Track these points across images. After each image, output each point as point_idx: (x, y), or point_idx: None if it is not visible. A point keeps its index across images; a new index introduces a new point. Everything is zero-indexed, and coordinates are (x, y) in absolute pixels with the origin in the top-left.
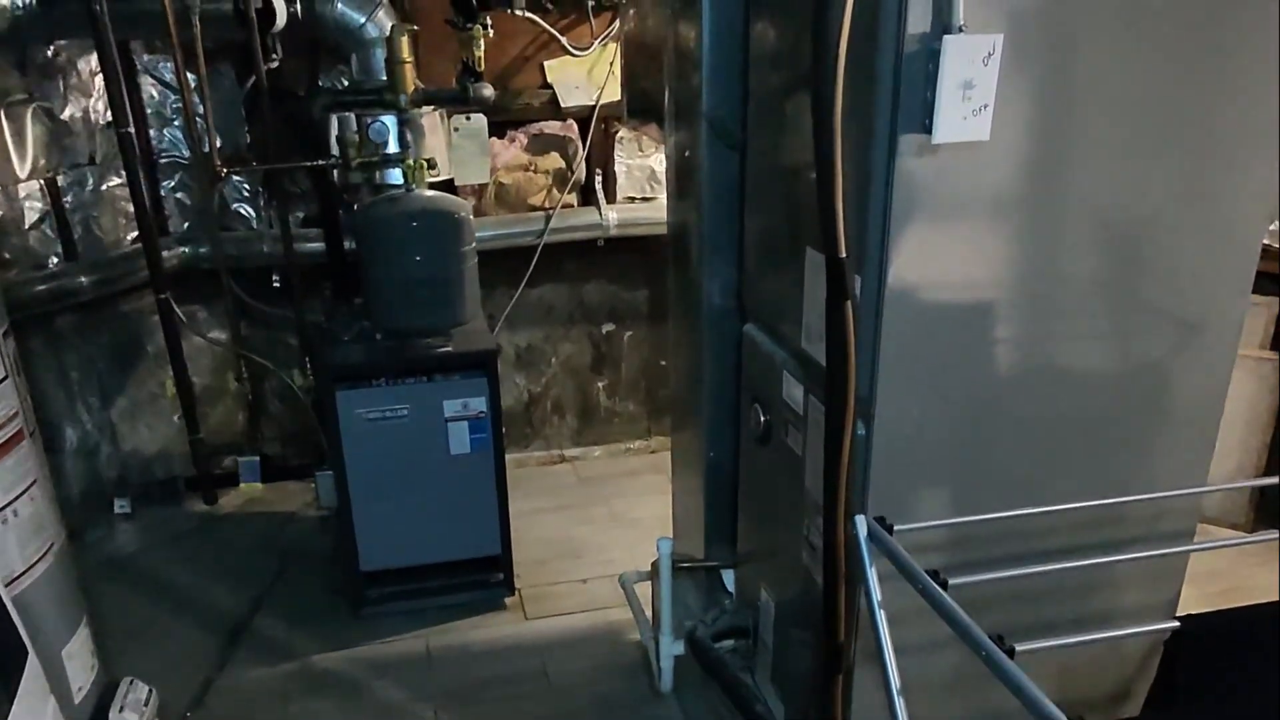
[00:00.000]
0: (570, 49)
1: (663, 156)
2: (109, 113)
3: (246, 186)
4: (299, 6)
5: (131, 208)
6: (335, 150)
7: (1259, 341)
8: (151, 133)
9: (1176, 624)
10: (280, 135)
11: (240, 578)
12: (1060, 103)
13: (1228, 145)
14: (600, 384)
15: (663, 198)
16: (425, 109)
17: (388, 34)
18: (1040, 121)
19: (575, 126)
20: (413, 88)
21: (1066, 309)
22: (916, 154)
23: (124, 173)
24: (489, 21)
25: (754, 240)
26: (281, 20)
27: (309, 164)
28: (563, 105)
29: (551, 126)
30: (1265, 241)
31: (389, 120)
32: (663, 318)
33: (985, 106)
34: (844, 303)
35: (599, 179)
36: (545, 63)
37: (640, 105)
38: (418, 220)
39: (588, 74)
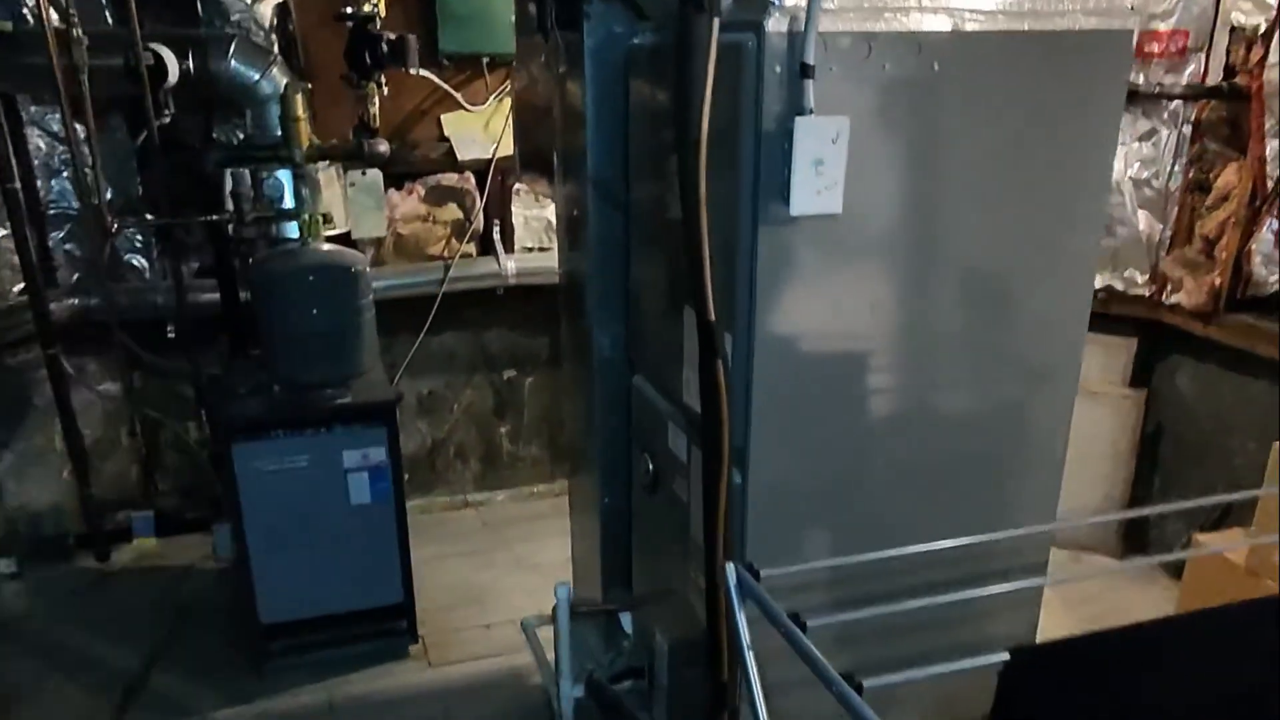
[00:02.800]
0: (465, 105)
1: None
2: None
3: (139, 238)
4: (192, 62)
5: (17, 259)
6: (230, 205)
7: (1120, 379)
8: (39, 184)
9: (1006, 656)
10: (173, 188)
11: (135, 635)
12: (908, 174)
13: (1060, 203)
14: (503, 429)
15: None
16: (321, 164)
17: (282, 91)
18: (888, 192)
19: (472, 178)
20: (308, 143)
21: (925, 360)
22: (777, 223)
23: (8, 224)
24: (383, 80)
25: (638, 296)
26: (174, 77)
27: (203, 219)
28: (460, 158)
29: (449, 178)
30: (1119, 287)
31: (284, 175)
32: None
33: (836, 183)
34: (715, 360)
35: (497, 229)
36: (442, 116)
37: (532, 160)
38: (314, 274)
39: (484, 127)
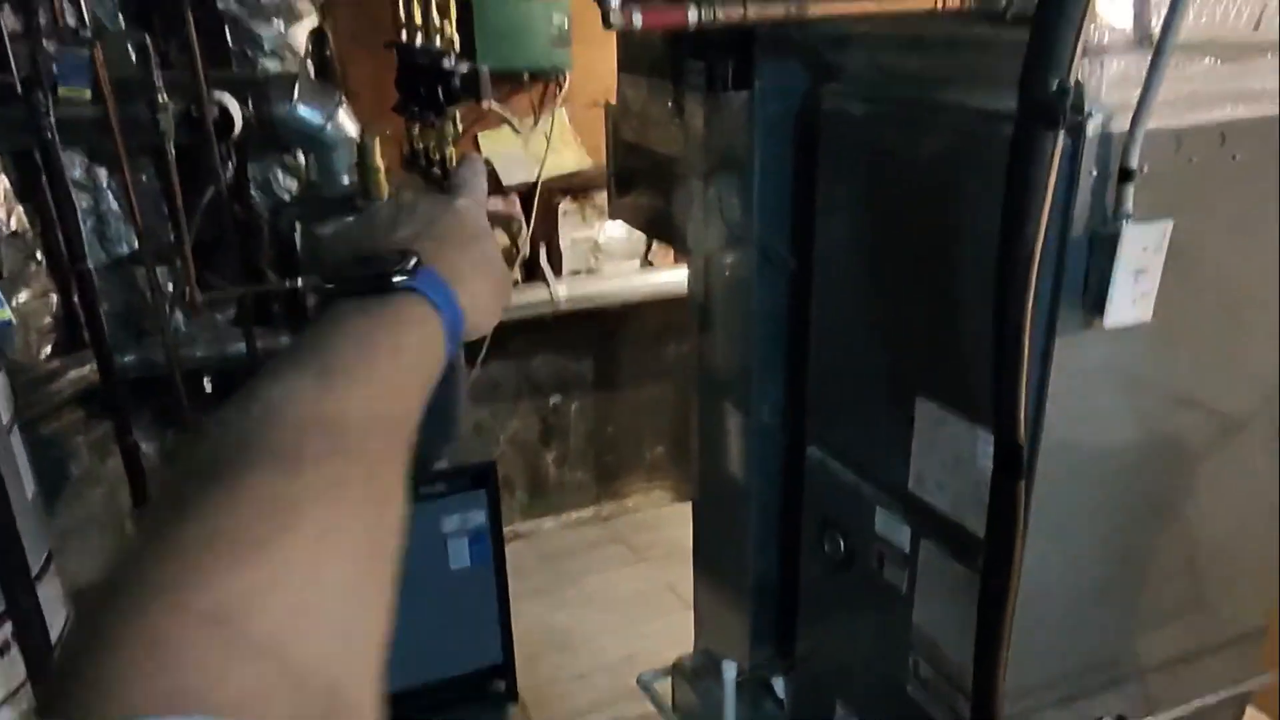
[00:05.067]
0: (513, 124)
1: (604, 227)
2: (10, 220)
3: (171, 287)
4: (252, 109)
5: (47, 319)
6: (307, 261)
7: None
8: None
9: None
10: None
11: None
12: (1215, 271)
13: None
14: (549, 455)
15: (608, 267)
16: None
17: (354, 136)
18: (1195, 291)
19: (518, 202)
20: (386, 194)
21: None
22: (1074, 332)
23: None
24: (458, 115)
25: (828, 373)
26: (239, 128)
27: (289, 285)
28: (504, 182)
29: (494, 204)
30: None
31: None
32: (609, 386)
33: (1151, 290)
34: (1016, 485)
35: (543, 253)
36: (479, 135)
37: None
38: None
39: (524, 147)
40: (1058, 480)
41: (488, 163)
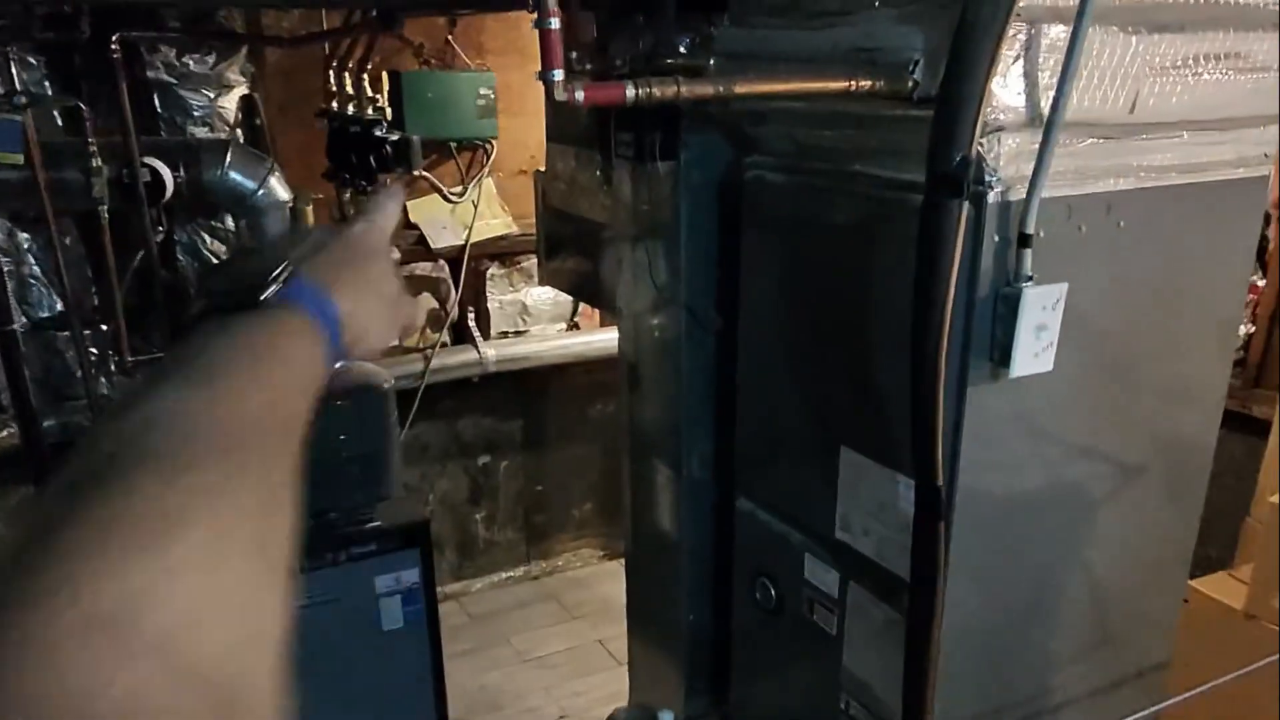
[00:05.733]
0: (446, 194)
1: (531, 291)
2: None
3: (94, 351)
4: (183, 174)
5: None
6: None
7: None
8: None
9: None
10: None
11: None
12: (1100, 325)
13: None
14: (478, 515)
15: (535, 329)
16: None
17: (286, 201)
18: (1085, 343)
19: (446, 267)
20: None
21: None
22: (983, 383)
23: None
24: (388, 182)
25: (755, 427)
26: (169, 190)
27: None
28: (433, 246)
29: (423, 268)
30: None
31: None
32: (538, 445)
33: (1052, 344)
34: (937, 525)
35: (472, 316)
36: (408, 204)
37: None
38: (342, 398)
39: (451, 214)
40: (974, 521)
41: (418, 228)
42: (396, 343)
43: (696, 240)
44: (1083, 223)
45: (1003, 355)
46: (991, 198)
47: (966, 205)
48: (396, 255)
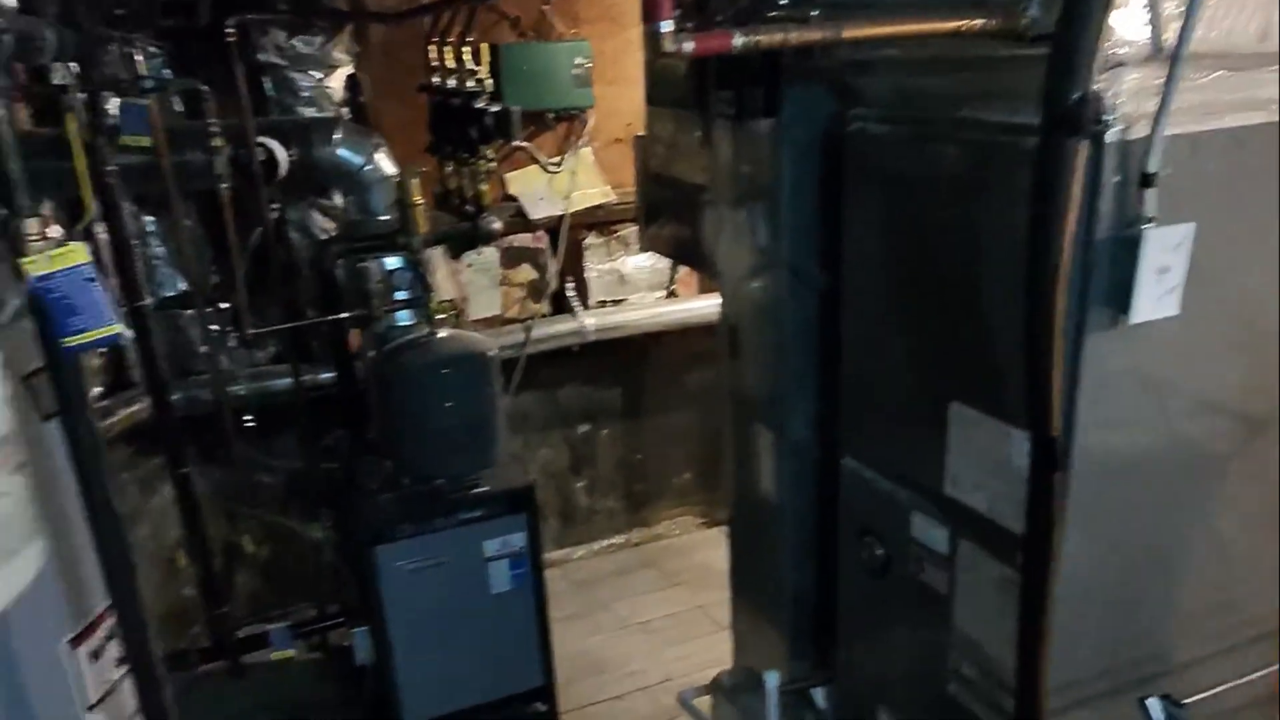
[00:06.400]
0: (545, 164)
1: (629, 259)
2: None
3: (214, 328)
4: (295, 152)
5: (95, 363)
6: (349, 297)
7: None
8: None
9: None
10: (264, 281)
11: None
12: (1233, 267)
13: None
14: (579, 484)
15: (633, 297)
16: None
17: (392, 175)
18: (1219, 286)
19: (545, 237)
20: (424, 228)
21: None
22: (1103, 330)
23: None
24: (490, 154)
25: (860, 385)
26: (284, 170)
27: (337, 317)
28: (531, 217)
29: (522, 239)
30: None
31: (407, 264)
32: (637, 413)
33: (1176, 287)
34: (1052, 477)
35: (570, 286)
36: (506, 175)
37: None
38: (452, 365)
39: (549, 184)
40: (1092, 474)
41: (517, 200)
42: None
43: (798, 198)
44: (1209, 160)
45: (1122, 300)
46: (1111, 136)
47: (1085, 145)
48: (498, 225)
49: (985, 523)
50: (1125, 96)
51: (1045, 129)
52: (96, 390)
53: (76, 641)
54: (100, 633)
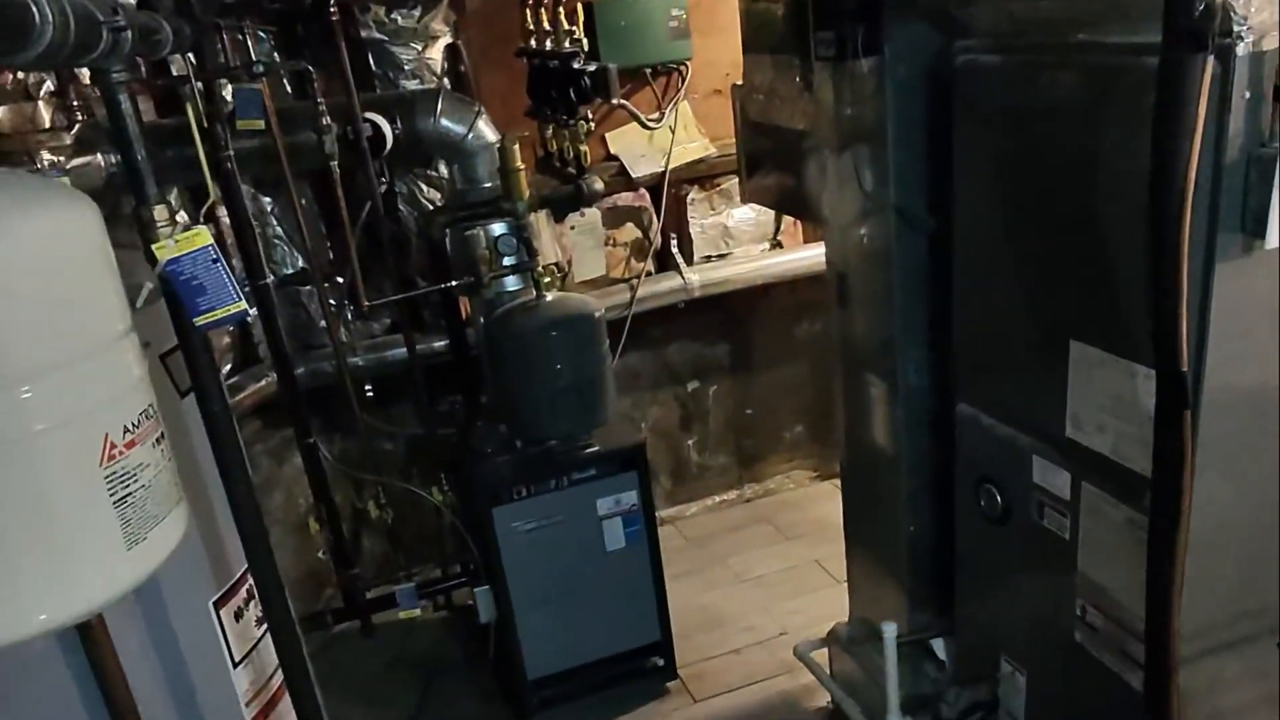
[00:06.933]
0: (644, 121)
1: (732, 212)
2: None
3: (332, 302)
4: (400, 126)
5: (224, 342)
6: (458, 265)
7: None
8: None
9: None
10: (375, 252)
11: (388, 700)
12: None
13: None
14: (689, 441)
15: (738, 251)
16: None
17: (494, 142)
18: None
19: (647, 195)
20: (527, 193)
21: None
22: (1235, 259)
23: None
24: (589, 115)
25: (975, 328)
26: (390, 144)
27: (447, 285)
28: (633, 176)
29: (624, 198)
30: None
31: (512, 229)
32: (745, 368)
33: None
34: (1183, 415)
35: (674, 242)
36: (607, 135)
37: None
38: (562, 328)
39: (649, 141)
40: (1224, 410)
41: (618, 159)
42: (604, 272)
43: (904, 139)
44: None
45: (1257, 225)
46: (1241, 50)
47: (1211, 60)
48: (600, 185)
49: (1110, 465)
50: (1256, 5)
51: (1166, 45)
52: (227, 368)
53: (220, 603)
54: (241, 594)
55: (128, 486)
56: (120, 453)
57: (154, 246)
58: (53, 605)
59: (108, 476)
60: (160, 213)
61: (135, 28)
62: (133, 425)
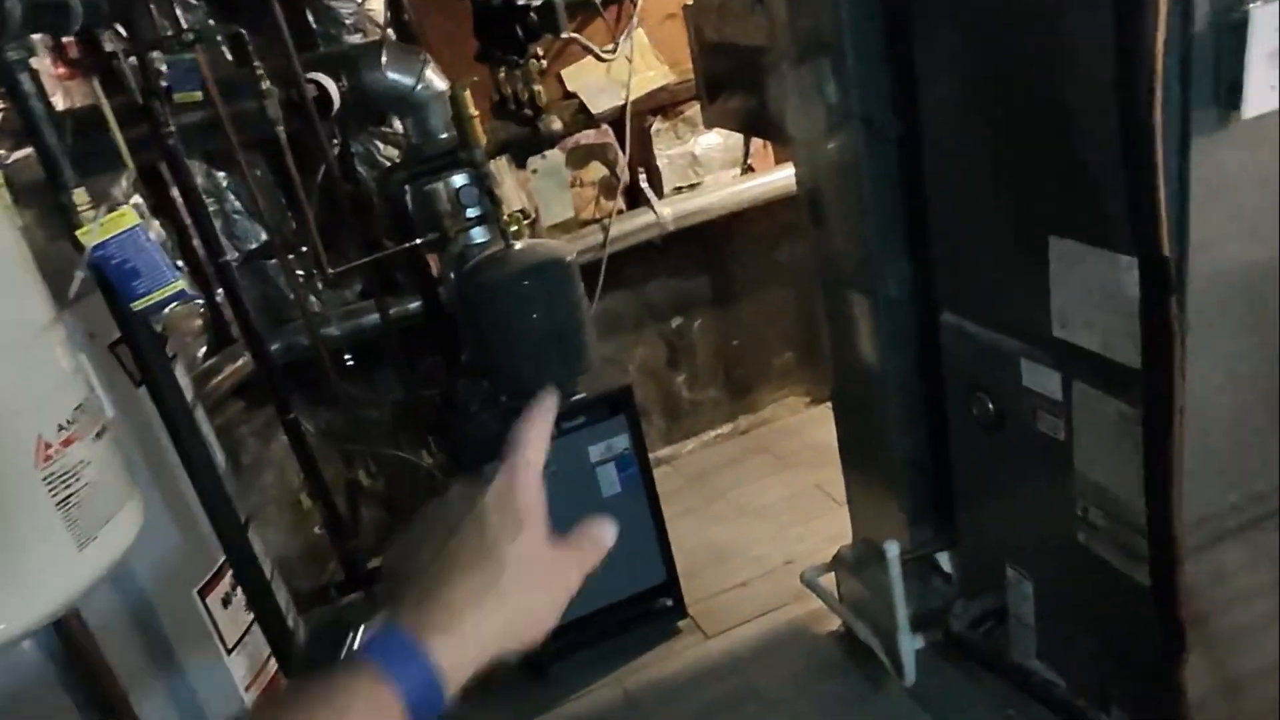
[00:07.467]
0: (598, 53)
1: (699, 140)
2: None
3: (300, 273)
4: (345, 81)
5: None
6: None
7: None
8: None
9: None
10: (333, 217)
11: None
12: None
13: None
14: (679, 378)
15: (708, 179)
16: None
17: (444, 91)
18: None
19: (610, 131)
20: (484, 140)
21: None
22: (1211, 132)
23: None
24: (540, 52)
25: (952, 235)
26: (336, 102)
27: (411, 244)
28: (594, 112)
29: (587, 136)
30: None
31: (473, 179)
32: (728, 299)
33: None
34: (1168, 300)
35: (643, 176)
36: (562, 72)
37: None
38: (534, 276)
39: (607, 74)
40: (1211, 293)
41: (576, 96)
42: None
43: (864, 45)
44: None
45: (1231, 94)
46: None
47: None
48: (559, 124)
49: (1099, 361)
50: None
51: None
52: (202, 350)
53: (205, 591)
54: (226, 580)
55: (69, 486)
56: (57, 451)
57: (78, 232)
58: (9, 615)
59: (46, 478)
60: (79, 196)
61: (24, 2)
62: (67, 422)
